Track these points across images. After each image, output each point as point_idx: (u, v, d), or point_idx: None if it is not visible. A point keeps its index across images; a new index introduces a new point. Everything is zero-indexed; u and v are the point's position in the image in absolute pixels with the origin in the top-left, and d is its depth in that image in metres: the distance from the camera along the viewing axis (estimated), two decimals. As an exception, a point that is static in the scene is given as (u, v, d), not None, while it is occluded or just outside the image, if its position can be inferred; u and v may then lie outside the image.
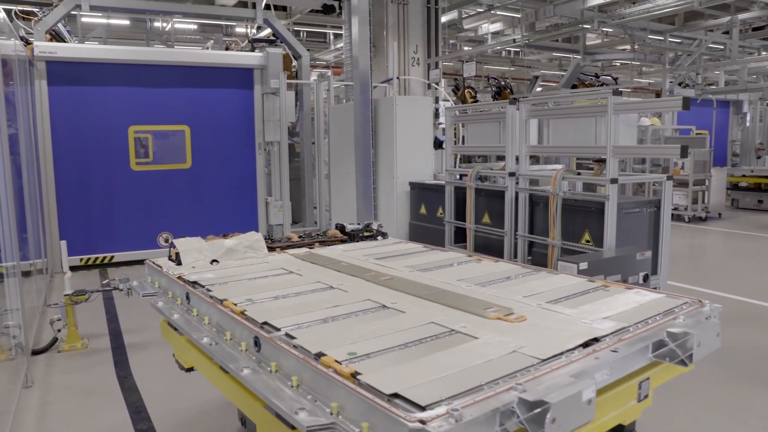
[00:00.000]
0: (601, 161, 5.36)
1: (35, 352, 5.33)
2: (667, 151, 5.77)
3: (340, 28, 15.22)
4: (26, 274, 5.64)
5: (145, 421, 4.10)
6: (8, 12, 7.50)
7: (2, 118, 4.53)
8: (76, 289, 5.50)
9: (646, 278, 4.83)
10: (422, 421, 1.51)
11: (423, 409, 1.59)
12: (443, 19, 12.14)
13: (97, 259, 8.86)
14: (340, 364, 1.90)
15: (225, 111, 9.50)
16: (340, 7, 11.38)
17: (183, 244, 3.67)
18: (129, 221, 8.92)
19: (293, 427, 1.88)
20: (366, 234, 4.54)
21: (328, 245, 4.31)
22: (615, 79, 16.96)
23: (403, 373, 1.85)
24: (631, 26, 13.60)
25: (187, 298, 3.04)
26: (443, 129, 8.12)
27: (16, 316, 4.69)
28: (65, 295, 5.42)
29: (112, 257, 8.85)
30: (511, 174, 5.98)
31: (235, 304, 2.63)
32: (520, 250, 5.90)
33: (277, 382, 2.05)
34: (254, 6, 10.21)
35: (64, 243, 5.78)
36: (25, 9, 8.98)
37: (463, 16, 15.81)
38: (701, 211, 12.80)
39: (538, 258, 5.83)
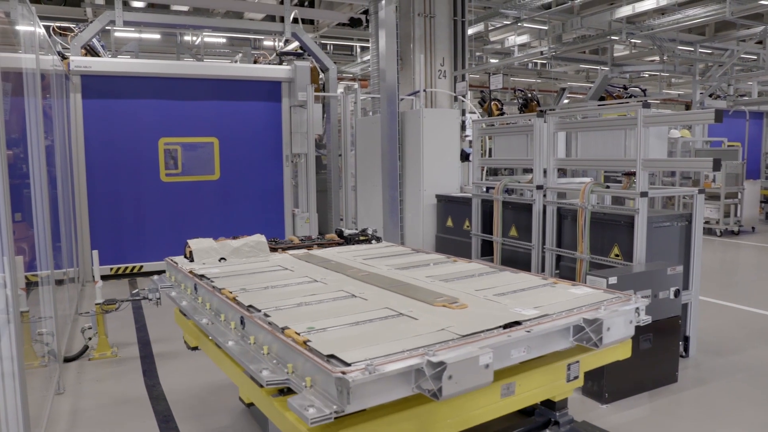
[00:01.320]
0: (631, 174, 5.29)
1: (67, 360, 5.43)
2: (699, 165, 5.66)
3: (367, 41, 15.35)
4: (59, 282, 5.76)
5: (172, 430, 4.14)
6: (46, 28, 7.72)
7: (40, 130, 4.66)
8: (107, 299, 5.59)
9: (677, 293, 4.74)
10: (343, 372, 1.96)
11: (349, 365, 2.03)
12: (470, 31, 12.16)
13: (126, 268, 9.01)
14: (299, 335, 2.35)
15: (253, 123, 9.62)
16: (367, 21, 11.47)
17: (196, 244, 4.20)
18: (158, 232, 9.06)
19: (262, 385, 2.28)
20: (362, 238, 5.00)
21: (325, 247, 4.79)
22: (643, 91, 16.74)
23: (344, 342, 2.31)
24: (660, 37, 13.44)
25: (195, 288, 3.55)
26: (470, 141, 8.10)
27: (50, 323, 4.79)
28: (96, 304, 5.51)
29: (141, 267, 8.99)
30: (539, 187, 5.94)
31: (230, 292, 3.12)
32: (548, 264, 5.84)
33: (252, 352, 2.53)
34: (282, 20, 10.33)
35: (95, 253, 5.88)
36: (62, 25, 9.23)
37: (490, 28, 15.81)
38: (734, 224, 12.53)
39: (565, 272, 5.76)
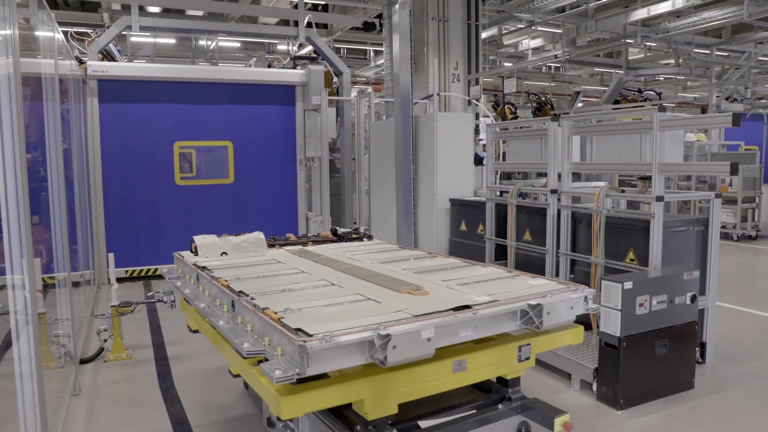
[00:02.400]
0: (646, 178, 5.25)
1: (83, 361, 5.48)
2: (716, 169, 5.60)
3: (381, 45, 15.37)
4: (75, 284, 5.82)
5: (187, 432, 4.17)
6: (65, 33, 7.83)
7: (58, 134, 4.72)
8: (122, 301, 5.64)
9: (693, 299, 4.70)
10: (304, 341, 2.33)
11: (311, 336, 2.38)
12: (483, 35, 12.14)
13: (141, 271, 9.08)
14: (276, 314, 2.71)
15: (267, 127, 9.67)
16: (381, 25, 11.50)
17: (200, 240, 4.62)
18: (173, 235, 9.12)
19: (244, 356, 2.63)
20: (354, 236, 5.34)
21: (320, 244, 5.12)
22: (659, 94, 16.63)
23: (312, 319, 2.65)
24: (675, 40, 13.35)
25: (197, 278, 3.94)
26: (483, 145, 8.08)
27: (66, 325, 4.84)
28: (112, 307, 5.56)
29: (156, 270, 9.06)
30: (553, 191, 5.91)
31: (226, 281, 3.49)
32: (562, 268, 5.80)
33: (239, 329, 2.93)
34: (296, 24, 10.39)
35: (111, 255, 5.94)
36: (79, 30, 9.35)
37: (504, 32, 15.79)
38: (751, 229, 12.38)
39: (580, 276, 5.72)
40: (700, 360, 5.22)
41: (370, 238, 5.36)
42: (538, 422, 3.20)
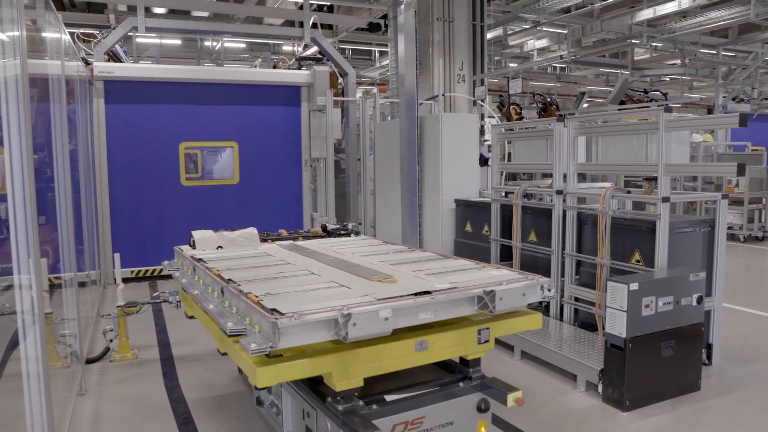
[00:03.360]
0: (652, 179, 5.23)
1: (89, 361, 5.50)
2: (723, 170, 5.58)
3: (386, 45, 15.39)
4: (82, 284, 5.84)
5: (192, 432, 4.18)
6: (71, 35, 7.86)
7: (64, 135, 4.74)
8: (128, 301, 5.66)
9: (700, 300, 4.68)
10: (276, 319, 2.63)
11: (283, 315, 2.67)
12: (489, 35, 12.13)
13: (147, 271, 9.11)
14: (257, 297, 2.99)
15: (272, 128, 9.69)
16: (386, 25, 11.50)
17: (198, 234, 4.91)
18: (178, 235, 9.09)
19: (228, 334, 2.90)
20: (342, 232, 5.64)
21: (310, 239, 5.42)
22: (664, 95, 16.57)
23: (287, 301, 2.93)
24: (681, 40, 13.29)
25: (194, 269, 4.21)
26: (489, 146, 8.07)
27: (72, 325, 4.85)
28: (118, 307, 5.58)
29: (161, 270, 9.08)
30: (559, 192, 5.90)
31: (217, 271, 3.77)
32: (568, 269, 5.79)
33: (226, 312, 3.22)
34: (301, 25, 10.40)
35: (117, 256, 5.96)
36: (86, 32, 9.39)
37: (509, 32, 15.76)
38: (758, 230, 12.32)
39: (585, 277, 5.71)
40: (707, 362, 5.19)
41: (357, 234, 5.67)
42: (495, 399, 3.43)
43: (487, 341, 3.38)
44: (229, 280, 3.50)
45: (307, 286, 3.37)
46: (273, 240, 5.31)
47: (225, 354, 3.62)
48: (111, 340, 5.66)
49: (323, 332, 2.74)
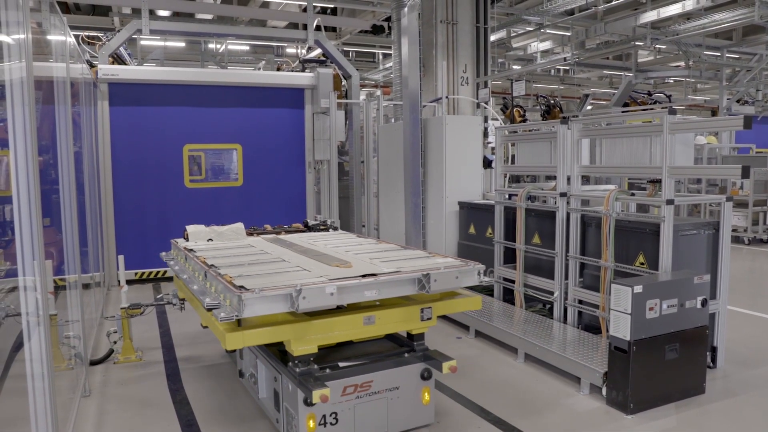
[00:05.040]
0: (656, 182, 5.22)
1: (93, 363, 5.51)
2: (727, 172, 5.57)
3: (389, 48, 15.37)
4: (86, 286, 5.85)
5: (196, 434, 4.18)
6: (76, 37, 7.88)
7: (69, 137, 4.75)
8: (132, 303, 5.67)
9: (704, 303, 4.66)
10: (241, 293, 3.22)
11: (247, 290, 3.27)
12: (492, 38, 12.12)
13: (150, 273, 9.13)
14: (231, 278, 3.60)
15: (276, 130, 9.70)
16: (389, 28, 11.51)
17: (191, 228, 5.53)
18: (182, 237, 9.15)
19: (206, 309, 3.44)
20: (321, 227, 6.22)
21: (291, 233, 6.01)
22: (668, 97, 16.54)
23: (255, 280, 3.55)
24: (685, 42, 13.27)
25: (185, 258, 4.82)
26: (492, 148, 8.06)
27: (77, 327, 4.86)
28: (122, 308, 5.59)
29: (165, 272, 9.10)
30: (563, 194, 5.89)
31: (204, 258, 4.35)
32: (572, 272, 5.78)
33: (207, 291, 3.86)
34: (305, 27, 10.41)
35: (122, 258, 5.97)
36: (90, 34, 9.42)
37: (512, 35, 15.75)
38: (762, 232, 12.29)
39: (589, 280, 5.70)
40: (711, 365, 5.18)
41: (335, 229, 6.25)
42: (435, 368, 3.97)
43: (429, 318, 3.94)
44: (212, 265, 4.05)
45: (274, 269, 3.97)
46: (258, 234, 5.89)
47: (206, 327, 4.39)
48: (115, 342, 5.67)
49: (280, 304, 3.30)
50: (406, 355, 4.02)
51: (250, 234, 5.81)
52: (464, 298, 4.17)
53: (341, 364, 3.84)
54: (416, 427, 4.10)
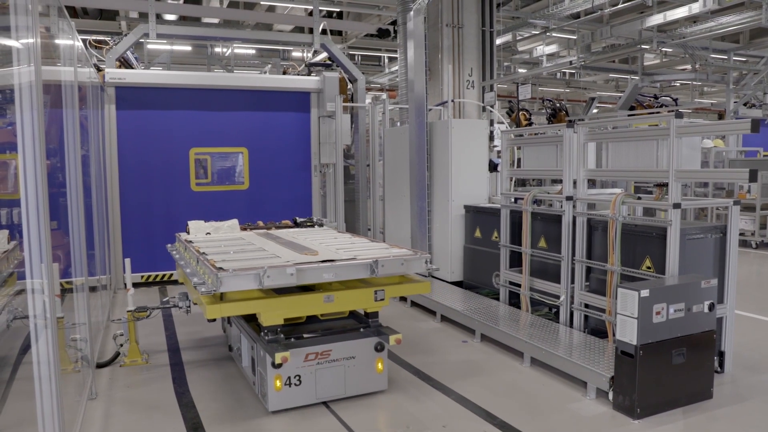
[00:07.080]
0: (663, 185, 5.20)
1: (99, 365, 5.52)
2: (735, 176, 5.54)
3: (395, 51, 15.39)
4: (92, 289, 5.87)
5: (202, 437, 4.18)
6: (83, 41, 7.93)
7: (77, 141, 4.78)
8: (138, 306, 5.68)
9: (711, 307, 4.64)
10: (218, 272, 3.93)
11: (224, 270, 3.97)
12: (498, 41, 12.13)
13: (157, 276, 9.15)
14: (214, 261, 4.26)
15: (282, 134, 9.72)
16: (395, 31, 11.52)
17: (193, 224, 6.29)
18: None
19: (195, 287, 4.14)
20: (308, 224, 6.88)
21: (280, 229, 6.66)
22: (675, 100, 16.48)
23: (233, 263, 4.22)
24: (692, 46, 13.22)
25: (185, 248, 5.53)
26: (498, 152, 8.05)
27: (83, 329, 4.88)
28: (128, 311, 5.60)
29: (171, 275, 9.11)
30: (569, 198, 5.87)
31: (198, 248, 5.04)
32: (578, 276, 5.76)
33: (197, 274, 4.58)
34: (311, 31, 10.44)
35: (128, 261, 5.99)
36: (98, 38, 9.47)
37: (518, 38, 15.74)
38: (770, 237, 12.21)
39: (595, 284, 5.68)
40: (719, 369, 5.15)
41: (321, 225, 6.92)
42: (385, 341, 4.60)
43: (382, 299, 4.57)
44: (203, 253, 4.76)
45: (252, 255, 4.69)
46: (251, 229, 6.57)
47: (195, 304, 4.94)
48: (121, 345, 5.68)
49: (250, 282, 4.00)
50: (362, 329, 4.69)
51: (243, 229, 6.49)
52: (415, 283, 4.84)
53: (306, 336, 4.52)
54: (371, 392, 4.79)
